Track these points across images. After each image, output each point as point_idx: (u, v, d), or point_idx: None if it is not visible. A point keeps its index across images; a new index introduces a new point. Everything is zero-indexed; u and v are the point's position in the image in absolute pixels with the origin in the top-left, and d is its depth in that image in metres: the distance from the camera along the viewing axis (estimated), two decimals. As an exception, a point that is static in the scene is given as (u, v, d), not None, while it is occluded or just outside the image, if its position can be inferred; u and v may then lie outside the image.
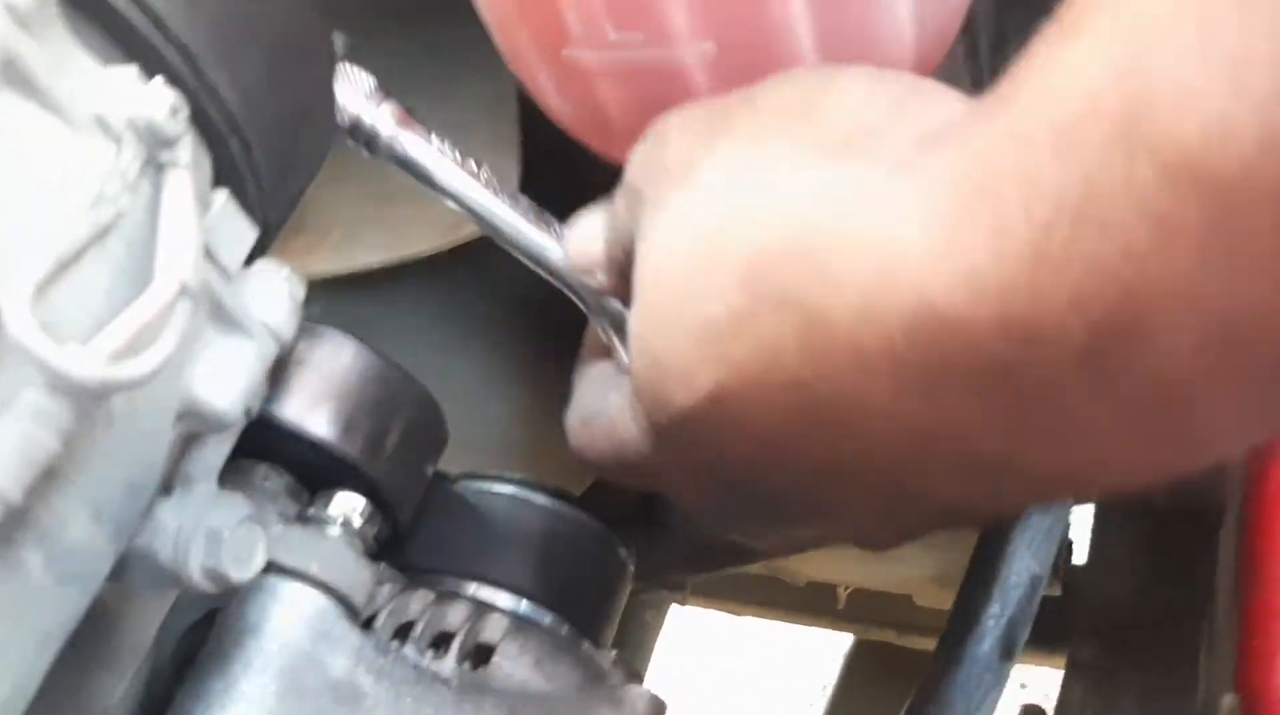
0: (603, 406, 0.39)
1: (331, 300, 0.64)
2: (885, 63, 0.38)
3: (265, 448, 0.44)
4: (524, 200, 0.42)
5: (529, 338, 0.66)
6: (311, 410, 0.45)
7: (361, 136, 0.41)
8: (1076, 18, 0.23)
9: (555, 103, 0.40)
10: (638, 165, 0.34)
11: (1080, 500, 0.34)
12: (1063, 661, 0.70)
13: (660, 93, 0.37)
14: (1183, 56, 0.21)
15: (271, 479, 0.46)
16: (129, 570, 0.34)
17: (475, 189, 0.41)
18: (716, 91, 0.37)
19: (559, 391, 0.70)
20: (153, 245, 0.28)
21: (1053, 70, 0.24)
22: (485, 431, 0.69)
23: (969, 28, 0.54)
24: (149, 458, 0.31)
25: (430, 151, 0.41)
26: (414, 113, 0.42)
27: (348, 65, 0.41)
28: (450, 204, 0.42)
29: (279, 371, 0.42)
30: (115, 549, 0.32)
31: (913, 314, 0.26)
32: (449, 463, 0.67)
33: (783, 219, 0.29)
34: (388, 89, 0.42)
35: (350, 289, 0.63)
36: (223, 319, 0.32)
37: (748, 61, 0.36)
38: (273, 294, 0.33)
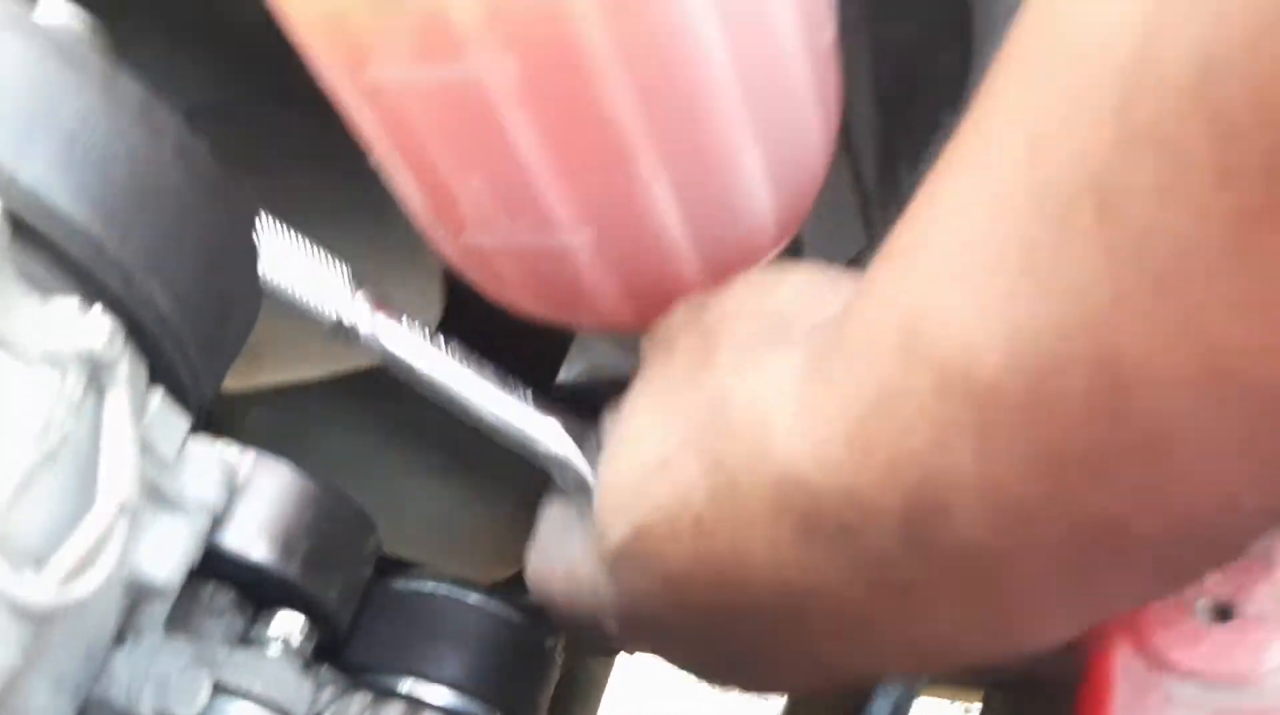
0: (566, 549, 0.45)
1: (276, 407, 0.69)
2: (748, 230, 0.43)
3: (211, 568, 0.49)
4: (492, 373, 0.45)
5: (458, 438, 0.70)
6: (252, 536, 0.49)
7: (341, 334, 0.44)
8: (879, 267, 0.30)
9: (460, 268, 0.45)
10: (646, 338, 0.42)
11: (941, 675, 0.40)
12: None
13: (551, 267, 0.42)
14: (946, 303, 0.27)
15: (218, 596, 0.50)
16: (86, 715, 0.38)
17: (453, 373, 0.44)
18: (602, 269, 0.42)
19: (485, 485, 0.75)
20: (95, 456, 0.33)
21: (863, 300, 0.30)
22: (422, 520, 0.74)
23: (850, 151, 0.59)
24: (101, 630, 0.35)
25: (407, 339, 0.44)
26: (386, 299, 0.44)
27: (324, 257, 0.44)
28: (427, 390, 0.45)
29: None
30: (75, 705, 0.36)
31: (781, 474, 0.31)
32: (389, 548, 0.72)
33: (714, 387, 0.35)
34: (361, 278, 0.44)
35: (293, 395, 0.67)
36: (161, 501, 0.37)
37: (626, 240, 0.41)
38: (206, 472, 0.38)
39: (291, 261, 0.44)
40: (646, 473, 0.37)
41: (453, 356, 0.45)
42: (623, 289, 0.43)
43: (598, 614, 0.42)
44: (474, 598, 0.58)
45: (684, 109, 0.38)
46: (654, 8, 0.35)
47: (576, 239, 0.40)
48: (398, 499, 0.76)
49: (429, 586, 0.58)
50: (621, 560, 0.38)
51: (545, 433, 0.45)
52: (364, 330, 0.44)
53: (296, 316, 0.44)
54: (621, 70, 0.36)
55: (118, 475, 0.31)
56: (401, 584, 0.59)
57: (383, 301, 0.44)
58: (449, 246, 0.43)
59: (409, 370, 0.45)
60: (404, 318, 0.45)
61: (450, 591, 0.58)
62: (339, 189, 0.55)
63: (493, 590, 0.65)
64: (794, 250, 0.49)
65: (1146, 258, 0.23)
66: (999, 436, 0.26)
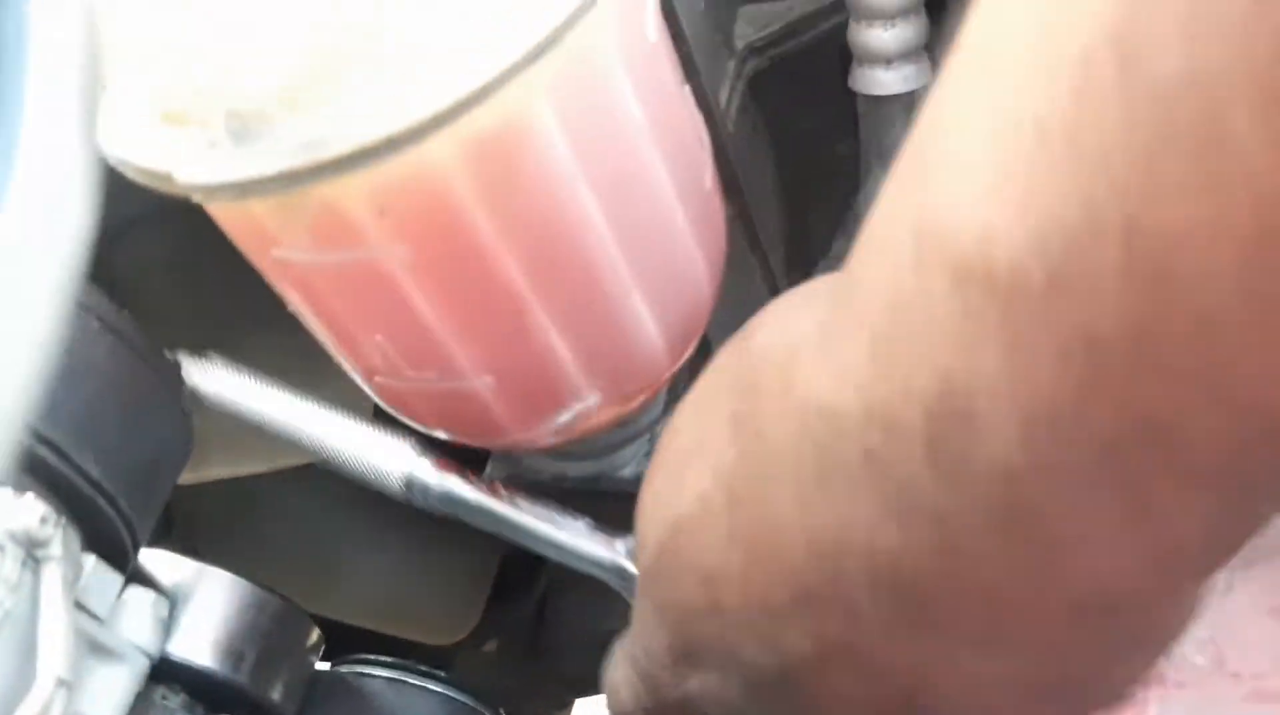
0: (626, 641, 0.43)
1: (226, 484, 0.72)
2: (642, 361, 0.46)
3: (161, 673, 0.52)
4: (550, 507, 0.49)
5: (406, 512, 0.74)
6: (199, 644, 0.52)
7: (415, 492, 0.49)
8: (888, 183, 0.28)
9: (377, 399, 0.48)
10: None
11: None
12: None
13: (459, 404, 0.45)
14: (955, 192, 0.25)
15: (169, 698, 0.54)
16: None
17: (515, 513, 0.49)
18: (507, 405, 0.45)
19: (437, 552, 0.78)
20: (34, 626, 0.36)
21: (873, 216, 0.28)
22: (375, 588, 0.77)
23: (758, 247, 0.63)
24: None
25: (473, 491, 0.49)
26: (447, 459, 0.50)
27: (390, 437, 0.49)
28: (494, 528, 0.49)
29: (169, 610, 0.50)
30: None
31: (804, 405, 0.29)
32: (345, 615, 0.76)
33: (747, 359, 0.34)
34: (424, 444, 0.49)
35: (244, 482, 0.71)
36: (100, 652, 0.40)
37: (527, 381, 0.44)
38: (140, 620, 0.41)
39: (358, 438, 0.50)
40: (682, 464, 0.35)
41: (513, 501, 0.49)
42: (528, 420, 0.46)
43: (655, 677, 0.40)
44: (417, 679, 0.62)
45: (570, 271, 0.41)
46: (531, 190, 0.38)
47: (480, 383, 0.44)
48: (350, 568, 0.79)
49: (373, 670, 0.62)
50: (659, 570, 0.36)
51: (604, 551, 0.49)
52: (434, 487, 0.49)
53: (362, 482, 0.50)
54: (507, 245, 0.39)
55: (54, 652, 0.35)
56: (347, 669, 0.62)
57: (445, 461, 0.49)
58: (365, 383, 0.47)
59: (477, 515, 0.49)
60: (466, 473, 0.49)
61: (395, 675, 0.62)
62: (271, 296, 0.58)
63: (442, 661, 0.69)
64: (703, 345, 0.53)
65: (1177, 109, 0.21)
66: (1023, 329, 0.24)
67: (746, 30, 0.60)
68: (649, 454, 0.54)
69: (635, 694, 0.42)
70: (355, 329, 0.42)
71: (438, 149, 0.36)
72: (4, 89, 0.15)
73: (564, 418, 0.46)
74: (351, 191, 0.36)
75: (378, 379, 0.45)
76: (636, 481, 0.53)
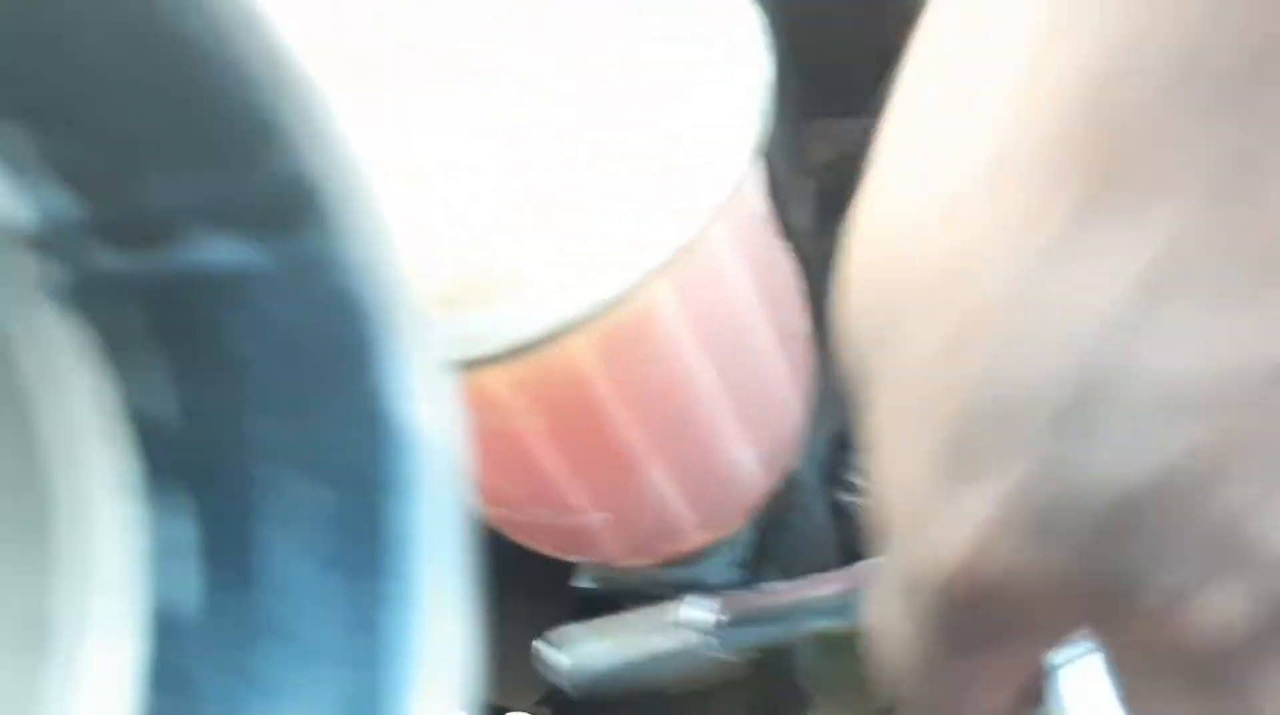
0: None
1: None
2: (740, 490, 0.50)
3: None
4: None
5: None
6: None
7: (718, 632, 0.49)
8: None
9: (486, 516, 0.52)
10: None
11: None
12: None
13: (569, 536, 0.49)
14: None
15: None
16: None
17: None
18: (614, 537, 0.48)
19: (505, 615, 0.81)
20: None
21: None
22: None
23: (831, 359, 0.66)
24: None
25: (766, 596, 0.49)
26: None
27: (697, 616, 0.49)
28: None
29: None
30: None
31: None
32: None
33: None
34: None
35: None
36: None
37: (636, 518, 0.48)
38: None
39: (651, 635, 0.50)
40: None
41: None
42: (634, 546, 0.50)
43: (922, 529, 0.25)
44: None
45: (683, 429, 0.45)
46: (653, 363, 0.42)
47: (594, 519, 0.47)
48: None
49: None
50: (861, 320, 0.25)
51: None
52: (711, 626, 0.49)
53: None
54: (627, 410, 0.43)
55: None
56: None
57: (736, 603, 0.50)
58: (482, 509, 0.50)
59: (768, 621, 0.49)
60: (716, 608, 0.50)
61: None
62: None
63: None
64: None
65: None
66: None
67: (822, 148, 0.63)
68: (735, 562, 0.57)
69: (905, 619, 0.26)
70: (481, 473, 0.46)
71: (575, 343, 0.39)
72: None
73: (666, 545, 0.50)
74: (495, 376, 0.40)
75: (492, 509, 0.49)
76: (725, 587, 0.56)
